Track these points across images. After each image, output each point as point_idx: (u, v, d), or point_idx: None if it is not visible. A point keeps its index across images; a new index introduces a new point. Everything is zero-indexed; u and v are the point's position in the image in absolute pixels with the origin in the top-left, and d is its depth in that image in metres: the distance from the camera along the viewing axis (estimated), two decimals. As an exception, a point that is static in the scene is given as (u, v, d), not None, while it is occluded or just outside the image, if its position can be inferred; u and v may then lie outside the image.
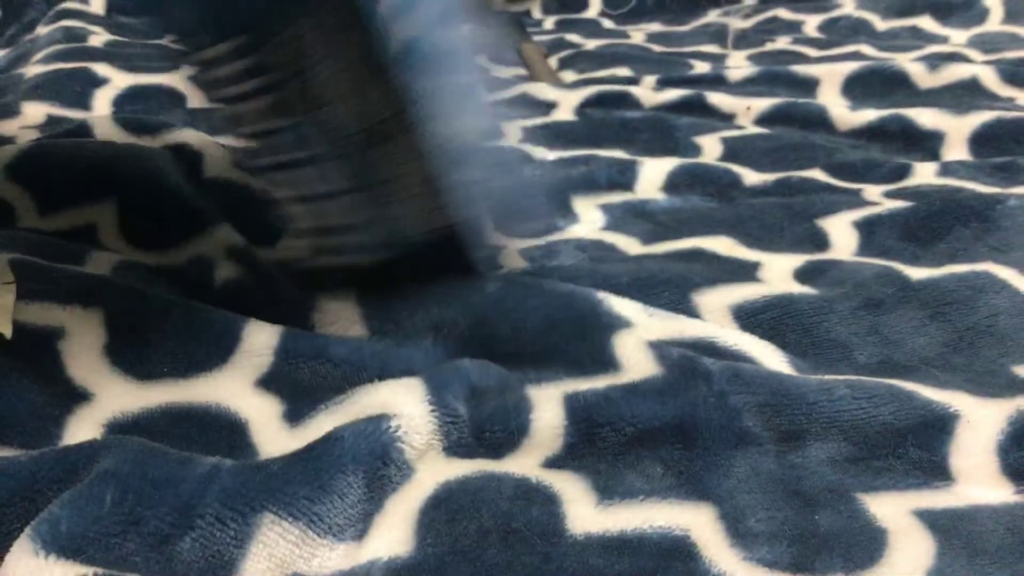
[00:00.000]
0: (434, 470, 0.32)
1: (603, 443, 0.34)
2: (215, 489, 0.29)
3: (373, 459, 0.31)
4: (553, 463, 0.34)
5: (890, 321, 0.41)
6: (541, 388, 0.36)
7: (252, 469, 0.31)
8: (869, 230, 0.48)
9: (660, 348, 0.37)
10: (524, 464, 0.33)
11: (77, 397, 0.34)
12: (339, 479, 0.30)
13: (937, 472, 0.33)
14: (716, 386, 0.35)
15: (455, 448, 0.33)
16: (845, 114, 0.63)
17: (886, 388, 0.35)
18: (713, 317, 0.41)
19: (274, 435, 0.34)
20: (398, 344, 0.38)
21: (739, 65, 0.80)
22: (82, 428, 0.33)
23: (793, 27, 0.95)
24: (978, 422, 0.34)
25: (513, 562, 0.29)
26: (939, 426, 0.34)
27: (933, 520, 0.31)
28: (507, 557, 0.29)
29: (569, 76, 0.80)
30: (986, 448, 0.33)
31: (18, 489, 0.29)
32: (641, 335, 0.38)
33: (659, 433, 0.34)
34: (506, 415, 0.34)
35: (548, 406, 0.35)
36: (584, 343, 0.38)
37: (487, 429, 0.34)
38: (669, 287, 0.42)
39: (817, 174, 0.56)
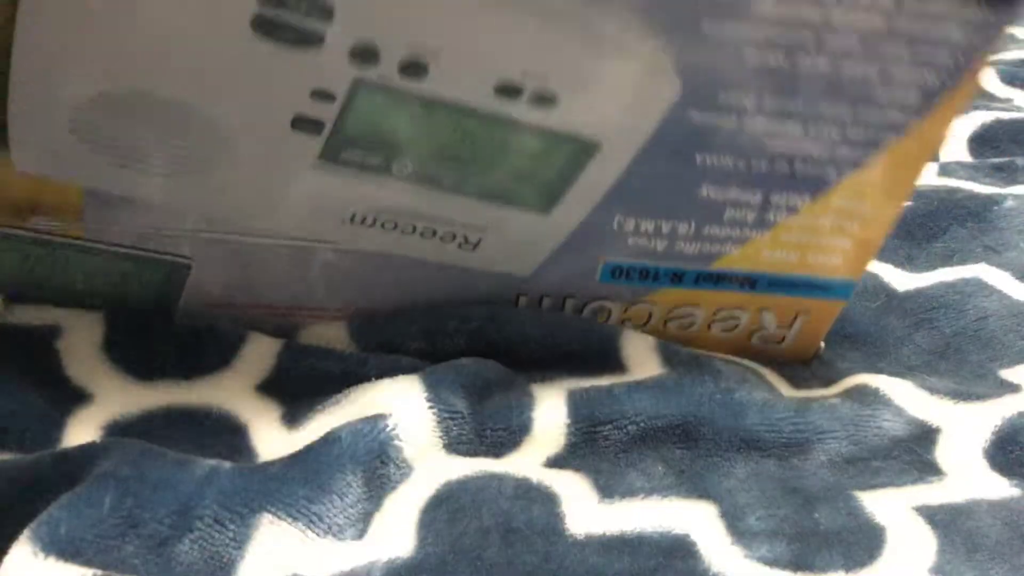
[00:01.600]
0: (434, 469, 0.32)
1: (605, 441, 0.34)
2: (213, 491, 0.29)
3: (372, 458, 0.31)
4: (555, 462, 0.34)
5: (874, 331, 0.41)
6: (544, 385, 0.36)
7: (251, 470, 0.31)
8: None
9: (667, 347, 0.37)
10: (525, 463, 0.33)
11: (76, 398, 0.34)
12: (338, 479, 0.30)
13: (932, 470, 0.34)
14: (723, 384, 0.35)
15: (455, 446, 0.33)
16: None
17: (875, 397, 0.36)
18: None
19: (274, 438, 0.34)
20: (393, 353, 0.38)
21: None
22: (81, 430, 0.33)
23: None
24: (962, 434, 0.35)
25: (513, 561, 0.29)
26: (926, 437, 0.35)
27: (932, 516, 0.31)
28: (507, 556, 0.29)
29: None
30: (974, 453, 0.34)
31: (17, 492, 0.29)
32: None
33: (662, 431, 0.34)
34: (508, 412, 0.34)
35: (551, 403, 0.35)
36: (590, 343, 0.37)
37: (488, 427, 0.34)
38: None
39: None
